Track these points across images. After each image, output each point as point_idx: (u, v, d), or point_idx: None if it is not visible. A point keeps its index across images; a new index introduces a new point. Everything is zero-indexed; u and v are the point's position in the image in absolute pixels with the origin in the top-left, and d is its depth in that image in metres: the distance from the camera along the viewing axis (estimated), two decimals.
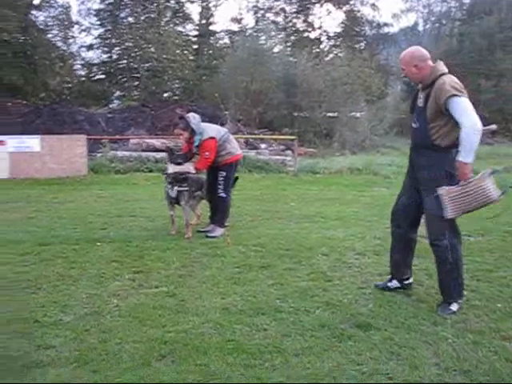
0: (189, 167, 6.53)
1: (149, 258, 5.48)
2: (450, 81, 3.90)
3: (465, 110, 3.82)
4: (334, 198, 9.79)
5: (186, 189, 6.51)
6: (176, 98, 32.30)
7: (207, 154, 6.52)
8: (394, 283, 4.56)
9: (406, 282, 4.57)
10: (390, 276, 4.62)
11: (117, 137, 18.19)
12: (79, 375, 3.04)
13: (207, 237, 6.43)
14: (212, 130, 6.68)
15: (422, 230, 4.48)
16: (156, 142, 15.46)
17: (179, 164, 6.50)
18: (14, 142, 12.48)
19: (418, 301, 4.29)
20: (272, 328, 3.68)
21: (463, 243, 5.95)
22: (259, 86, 23.49)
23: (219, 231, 6.54)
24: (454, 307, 4.06)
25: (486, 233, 6.82)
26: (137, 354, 3.27)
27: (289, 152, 18.83)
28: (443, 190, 3.89)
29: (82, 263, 5.31)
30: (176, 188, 6.48)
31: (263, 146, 19.92)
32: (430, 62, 4.07)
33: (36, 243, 6.11)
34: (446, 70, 4.04)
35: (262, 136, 20.32)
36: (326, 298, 4.29)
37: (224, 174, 6.69)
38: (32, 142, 12.49)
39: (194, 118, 6.56)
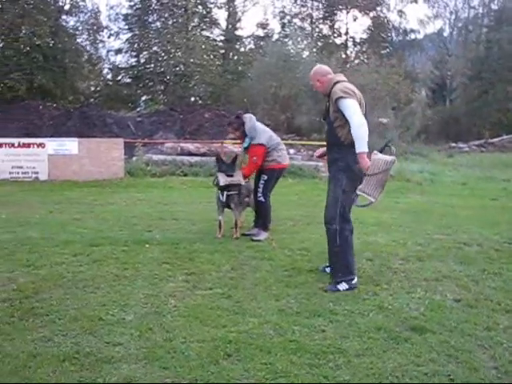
0: (239, 178, 6.65)
1: (199, 260, 5.64)
2: (341, 87, 4.65)
3: (350, 109, 4.55)
4: None
5: (235, 192, 6.64)
6: (203, 102, 32.58)
7: (255, 158, 6.65)
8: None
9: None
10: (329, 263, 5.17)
11: (152, 141, 18.46)
12: (150, 371, 3.19)
13: (252, 240, 6.58)
14: (265, 136, 6.75)
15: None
16: (190, 146, 15.71)
17: (230, 176, 6.62)
18: (53, 145, 12.82)
19: (467, 306, 4.37)
20: (330, 330, 3.80)
21: (505, 250, 6.14)
22: (288, 91, 23.63)
23: (263, 235, 6.68)
24: (342, 287, 4.65)
25: None
26: (203, 353, 3.41)
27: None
28: (359, 188, 4.55)
29: (134, 264, 5.48)
30: (226, 193, 6.60)
31: (292, 151, 20.04)
32: (331, 76, 4.87)
33: (86, 244, 6.32)
34: (342, 79, 4.81)
35: (293, 142, 20.43)
36: (377, 302, 4.40)
37: (266, 177, 6.81)
38: (70, 145, 12.82)
39: (250, 120, 6.69)
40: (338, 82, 4.72)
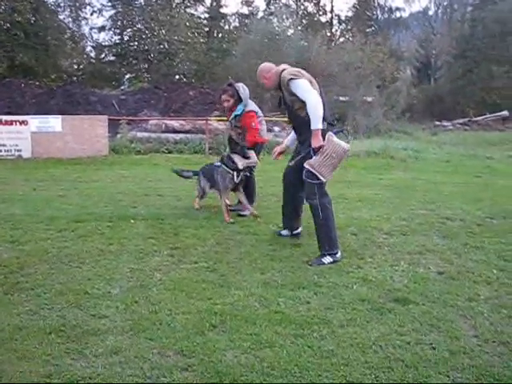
0: (255, 159, 6.57)
1: (183, 235, 5.66)
2: (288, 71, 4.89)
3: (302, 88, 4.76)
4: (354, 180, 9.93)
5: (247, 173, 6.58)
6: (187, 80, 32.30)
7: (253, 124, 6.60)
8: (286, 232, 5.67)
9: (295, 232, 5.66)
10: (283, 227, 5.72)
11: (137, 118, 18.30)
12: (136, 342, 3.21)
13: (239, 215, 6.59)
14: (255, 106, 6.81)
15: None
16: (175, 124, 15.60)
17: (248, 158, 6.48)
18: (36, 122, 12.66)
19: (449, 278, 4.43)
20: (314, 301, 3.85)
21: (487, 225, 6.22)
22: None
23: (249, 209, 6.69)
24: (326, 260, 4.76)
25: (507, 216, 6.91)
26: (189, 324, 3.44)
27: None
28: (308, 164, 4.76)
29: (120, 239, 5.48)
30: (242, 174, 6.46)
31: (277, 128, 19.99)
32: (274, 70, 5.07)
33: (71, 220, 6.30)
34: (286, 67, 5.02)
35: (278, 119, 20.35)
36: (361, 274, 4.45)
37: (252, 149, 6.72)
38: (54, 122, 12.67)
39: (243, 88, 6.66)
40: (283, 71, 4.93)
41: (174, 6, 33.94)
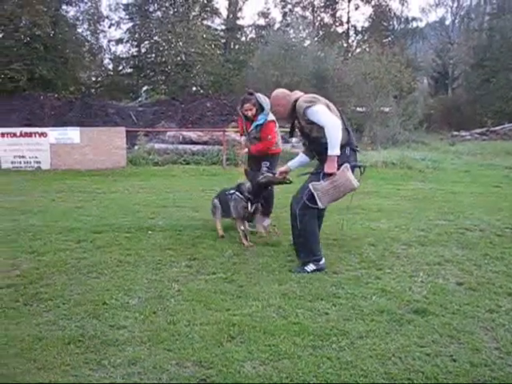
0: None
1: (201, 246, 5.67)
2: (303, 100, 4.77)
3: (320, 114, 4.65)
4: (372, 191, 9.87)
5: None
6: (204, 92, 32.52)
7: (270, 136, 6.44)
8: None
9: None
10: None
11: (154, 129, 18.45)
12: (155, 353, 3.21)
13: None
14: (272, 116, 6.48)
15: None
16: (192, 135, 15.69)
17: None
18: (55, 134, 12.83)
19: (469, 289, 4.38)
20: (333, 312, 3.83)
21: (507, 235, 6.16)
22: (290, 79, 23.53)
23: (267, 221, 6.66)
24: (309, 268, 4.76)
25: None
26: (207, 335, 3.43)
27: None
28: (313, 187, 4.68)
29: (138, 250, 5.51)
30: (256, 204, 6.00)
31: (294, 140, 19.96)
32: (288, 97, 4.94)
33: (89, 231, 6.36)
34: (299, 94, 4.92)
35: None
36: (380, 286, 4.41)
37: (268, 164, 6.58)
38: (72, 134, 12.83)
39: (264, 97, 6.42)
40: (297, 99, 4.83)
41: (191, 18, 34.26)
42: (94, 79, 35.72)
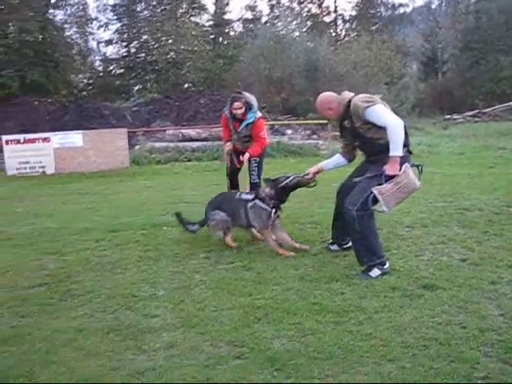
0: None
1: (215, 238, 5.91)
2: (359, 99, 4.53)
3: (381, 114, 4.43)
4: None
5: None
6: (196, 88, 32.66)
7: (262, 133, 6.53)
8: (335, 247, 5.33)
9: (345, 246, 5.25)
10: (332, 241, 5.38)
11: (155, 129, 18.75)
12: (189, 337, 3.50)
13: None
14: (260, 113, 6.61)
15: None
16: (191, 132, 15.94)
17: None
18: (57, 139, 13.08)
19: (473, 264, 4.70)
20: (348, 292, 4.13)
21: (505, 213, 6.51)
22: (281, 72, 23.80)
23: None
24: (374, 273, 4.47)
25: None
26: (235, 318, 3.73)
27: (315, 136, 19.20)
28: (378, 191, 4.39)
29: (156, 245, 5.80)
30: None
31: (289, 131, 20.26)
32: (338, 98, 4.74)
33: (105, 230, 6.63)
34: (350, 94, 4.70)
35: (290, 122, 20.62)
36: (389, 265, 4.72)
37: (259, 160, 6.67)
38: (75, 138, 13.08)
39: (250, 95, 6.55)
40: (352, 99, 4.60)
41: (178, 15, 34.36)
42: (85, 81, 35.77)
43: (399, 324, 3.50)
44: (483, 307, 3.73)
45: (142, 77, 35.53)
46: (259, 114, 6.55)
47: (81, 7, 34.67)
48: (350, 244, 5.02)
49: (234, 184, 6.92)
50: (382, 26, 35.87)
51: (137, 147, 14.82)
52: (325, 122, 17.90)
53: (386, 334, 3.37)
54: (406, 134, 4.51)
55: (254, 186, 6.61)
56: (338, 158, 5.17)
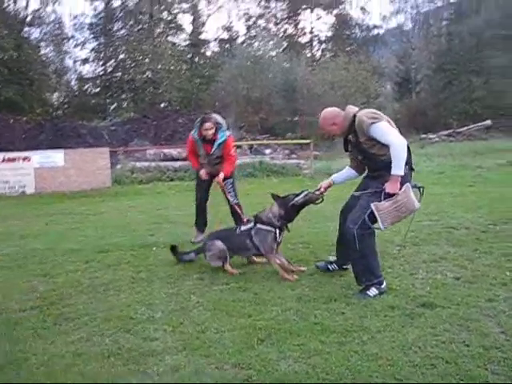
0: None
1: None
2: (365, 114, 4.48)
3: (385, 132, 4.40)
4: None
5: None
6: (174, 108, 32.68)
7: (233, 151, 6.63)
8: (334, 266, 5.25)
9: (344, 267, 5.21)
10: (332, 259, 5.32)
11: (138, 148, 18.77)
12: (193, 360, 3.44)
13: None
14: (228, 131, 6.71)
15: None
16: (173, 152, 15.89)
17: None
18: (38, 158, 12.90)
19: (467, 282, 4.75)
20: (348, 311, 4.13)
21: (491, 231, 6.55)
22: (260, 92, 23.97)
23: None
24: (372, 293, 4.45)
25: (508, 221, 7.25)
26: (237, 340, 3.69)
27: (294, 156, 19.33)
28: (376, 207, 4.38)
29: (147, 266, 5.74)
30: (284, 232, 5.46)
31: (268, 151, 20.36)
32: (343, 113, 4.67)
33: (93, 251, 6.56)
34: (354, 109, 4.68)
35: (269, 141, 20.76)
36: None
37: (232, 180, 6.78)
38: (56, 157, 12.92)
39: (217, 115, 6.68)
40: (356, 113, 4.56)
41: (155, 35, 34.44)
42: (61, 100, 35.54)
43: (403, 343, 3.50)
44: (484, 325, 3.76)
45: (118, 96, 35.49)
46: (228, 133, 6.64)
47: (57, 25, 34.63)
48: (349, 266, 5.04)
49: (202, 211, 7.03)
50: (357, 47, 36.47)
51: (118, 166, 14.72)
52: (305, 141, 18.15)
53: (392, 353, 3.37)
54: (409, 152, 4.51)
55: (236, 207, 6.68)
56: (349, 171, 5.14)
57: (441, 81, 32.39)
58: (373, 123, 4.40)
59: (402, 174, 4.38)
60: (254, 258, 5.72)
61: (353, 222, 4.51)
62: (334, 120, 4.70)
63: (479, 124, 26.80)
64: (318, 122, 4.98)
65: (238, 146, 17.10)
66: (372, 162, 4.66)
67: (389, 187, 4.41)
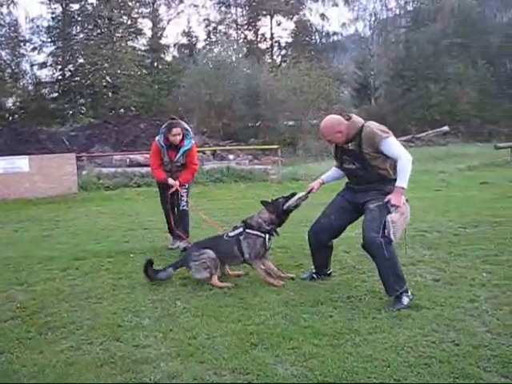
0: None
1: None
2: (375, 127, 4.62)
3: (395, 147, 4.58)
4: (328, 202, 10.33)
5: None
6: (135, 113, 32.40)
7: (196, 160, 6.69)
8: (319, 275, 5.26)
9: (328, 272, 5.31)
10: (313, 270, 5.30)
11: (104, 154, 18.53)
12: (189, 366, 3.42)
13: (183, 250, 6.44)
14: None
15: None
16: (140, 157, 15.73)
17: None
18: (2, 164, 12.56)
19: (447, 284, 4.91)
20: (336, 314, 4.20)
21: (462, 234, 6.75)
22: (222, 98, 23.98)
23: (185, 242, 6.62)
24: (405, 301, 4.37)
25: (478, 224, 7.49)
26: (231, 345, 3.70)
27: (256, 161, 19.42)
28: (393, 219, 4.41)
29: (127, 273, 5.67)
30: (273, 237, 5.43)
31: (231, 156, 20.41)
32: (347, 122, 4.73)
33: (70, 258, 6.44)
34: (360, 119, 4.77)
35: (232, 147, 20.80)
36: (368, 287, 4.86)
37: (187, 186, 6.82)
38: (20, 163, 12.61)
39: (183, 122, 6.65)
40: (364, 124, 4.66)
41: (115, 40, 34.04)
42: (17, 105, 34.69)
43: (395, 344, 3.59)
44: (469, 324, 3.89)
45: (77, 101, 34.90)
46: (193, 141, 6.64)
47: (12, 28, 33.84)
48: (331, 270, 5.30)
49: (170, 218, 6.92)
50: (317, 53, 36.89)
51: (84, 172, 14.49)
52: (273, 147, 18.26)
53: (386, 354, 3.45)
54: None
55: (184, 214, 6.70)
56: (336, 172, 5.24)
57: (399, 87, 33.12)
58: (386, 137, 4.54)
59: (406, 187, 4.53)
60: (228, 271, 5.53)
61: (375, 231, 4.47)
62: (340, 128, 4.70)
63: (437, 130, 27.51)
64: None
65: (202, 152, 17.11)
66: (368, 172, 4.69)
67: (394, 199, 4.49)
